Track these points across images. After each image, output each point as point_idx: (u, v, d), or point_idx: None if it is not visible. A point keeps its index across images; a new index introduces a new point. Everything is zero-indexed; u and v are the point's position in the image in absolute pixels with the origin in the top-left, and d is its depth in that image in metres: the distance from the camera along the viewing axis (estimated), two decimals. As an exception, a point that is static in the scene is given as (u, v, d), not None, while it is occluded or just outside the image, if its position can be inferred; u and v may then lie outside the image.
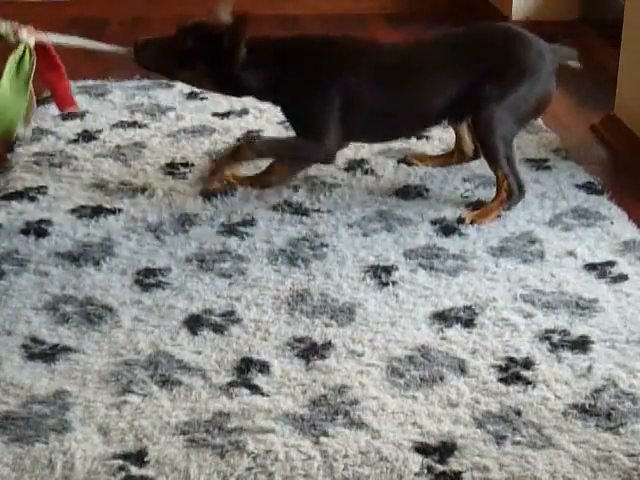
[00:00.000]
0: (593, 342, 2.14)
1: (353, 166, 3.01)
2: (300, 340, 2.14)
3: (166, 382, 1.99)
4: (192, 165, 3.01)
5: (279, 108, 2.81)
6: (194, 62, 2.66)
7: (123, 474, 1.75)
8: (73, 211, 2.71)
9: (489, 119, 2.68)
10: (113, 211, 2.71)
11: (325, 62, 2.69)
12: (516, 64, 2.70)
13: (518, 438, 1.84)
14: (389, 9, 4.83)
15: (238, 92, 2.82)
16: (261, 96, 2.82)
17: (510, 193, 2.73)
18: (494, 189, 2.85)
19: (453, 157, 3.01)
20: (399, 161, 3.04)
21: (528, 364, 2.06)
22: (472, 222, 2.68)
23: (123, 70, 3.66)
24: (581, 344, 2.13)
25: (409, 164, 3.03)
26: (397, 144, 3.16)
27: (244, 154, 2.74)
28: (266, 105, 3.47)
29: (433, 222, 2.68)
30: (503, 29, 2.84)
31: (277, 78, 2.67)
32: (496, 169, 2.73)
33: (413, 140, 3.20)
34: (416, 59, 2.74)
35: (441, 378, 2.02)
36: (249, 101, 3.49)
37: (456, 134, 2.96)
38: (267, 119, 3.37)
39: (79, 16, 4.53)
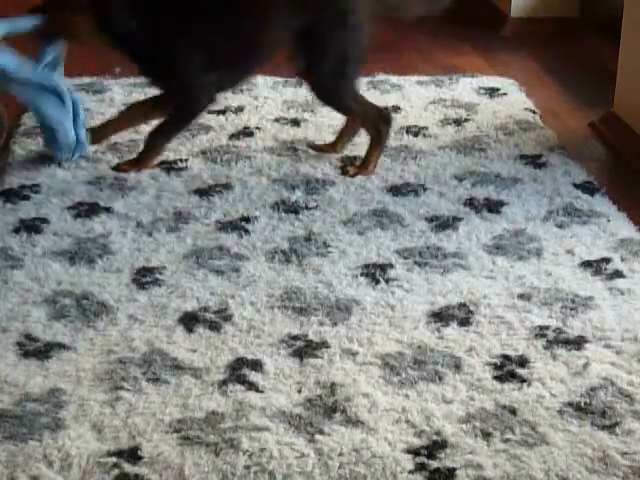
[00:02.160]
0: (588, 340, 2.13)
1: (347, 163, 3.00)
2: (295, 338, 2.14)
3: (160, 380, 1.99)
4: (186, 160, 3.01)
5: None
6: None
7: (117, 471, 1.75)
8: (69, 209, 2.71)
9: (330, 84, 2.83)
10: (109, 208, 2.71)
11: (170, 15, 2.76)
12: (342, 10, 2.79)
13: (513, 436, 1.84)
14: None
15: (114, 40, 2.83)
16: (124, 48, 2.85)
17: (377, 128, 2.87)
18: (491, 186, 2.86)
19: (348, 128, 3.06)
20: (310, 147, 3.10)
21: (523, 362, 2.06)
22: (354, 174, 2.87)
23: (121, 68, 3.66)
24: (576, 342, 2.13)
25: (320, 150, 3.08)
26: (392, 142, 3.16)
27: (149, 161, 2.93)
28: (262, 101, 3.48)
29: (428, 220, 2.67)
30: None
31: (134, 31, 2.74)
32: (352, 115, 2.90)
33: (410, 137, 3.20)
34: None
35: (437, 376, 2.01)
36: (245, 98, 3.50)
37: None
38: (263, 116, 3.37)
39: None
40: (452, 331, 2.17)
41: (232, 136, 3.20)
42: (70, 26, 2.79)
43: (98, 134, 3.02)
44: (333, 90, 2.87)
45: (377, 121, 2.90)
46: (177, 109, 2.91)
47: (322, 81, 2.85)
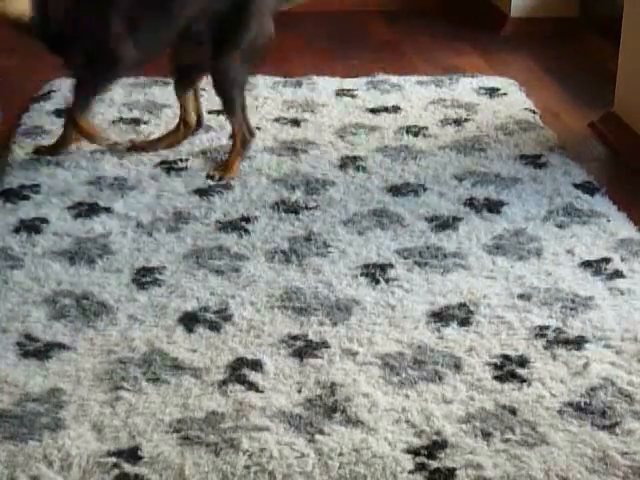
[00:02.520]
0: (588, 340, 2.13)
1: (347, 163, 3.01)
2: (295, 338, 2.14)
3: (160, 380, 1.99)
4: (186, 160, 3.01)
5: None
6: None
7: (117, 471, 1.75)
8: (69, 209, 2.71)
9: (228, 71, 2.88)
10: (109, 208, 2.71)
11: None
12: (246, 5, 2.86)
13: (513, 436, 1.84)
14: (389, 6, 4.82)
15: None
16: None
17: (244, 141, 2.95)
18: (491, 186, 2.86)
19: (179, 132, 3.11)
20: (129, 149, 3.05)
21: (523, 362, 2.06)
22: (220, 178, 2.88)
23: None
24: (576, 342, 2.13)
25: (138, 151, 3.05)
26: (392, 142, 3.16)
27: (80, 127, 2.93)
28: (262, 101, 3.48)
29: (428, 220, 2.67)
30: None
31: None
32: (233, 121, 2.94)
33: (410, 137, 3.20)
34: None
35: (437, 376, 2.01)
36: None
37: (181, 106, 3.09)
38: (263, 116, 3.37)
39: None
40: (452, 331, 2.17)
41: (232, 136, 3.20)
42: None
43: (55, 147, 3.03)
44: (233, 81, 2.90)
45: (246, 136, 2.95)
46: (98, 64, 2.89)
47: (227, 70, 2.89)
